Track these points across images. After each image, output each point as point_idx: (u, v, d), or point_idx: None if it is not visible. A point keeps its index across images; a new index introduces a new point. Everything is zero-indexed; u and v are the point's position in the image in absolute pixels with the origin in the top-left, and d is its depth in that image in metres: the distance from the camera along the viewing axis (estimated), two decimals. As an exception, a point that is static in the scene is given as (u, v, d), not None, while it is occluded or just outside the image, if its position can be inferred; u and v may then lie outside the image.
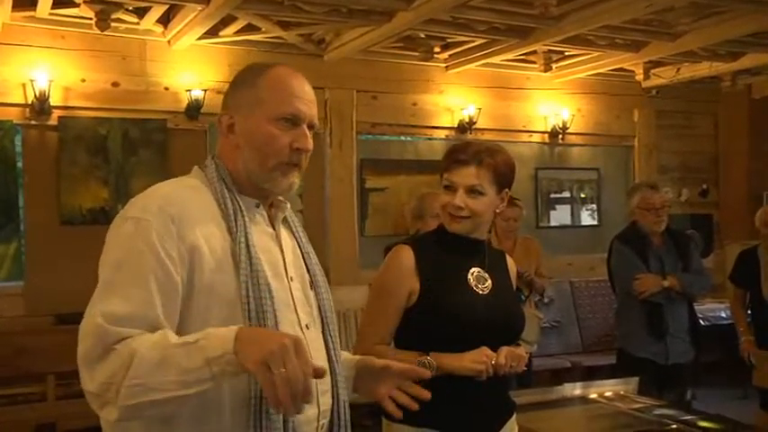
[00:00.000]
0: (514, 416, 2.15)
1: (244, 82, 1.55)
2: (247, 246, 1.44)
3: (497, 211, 2.14)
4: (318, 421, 1.49)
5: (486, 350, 2.01)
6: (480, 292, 2.09)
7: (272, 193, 1.55)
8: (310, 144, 1.53)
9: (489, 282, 2.12)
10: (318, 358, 1.49)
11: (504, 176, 2.11)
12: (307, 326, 1.54)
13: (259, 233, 1.52)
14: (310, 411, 1.46)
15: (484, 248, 2.18)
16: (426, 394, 1.63)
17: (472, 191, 2.07)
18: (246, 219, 1.49)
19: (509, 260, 2.30)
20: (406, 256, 2.09)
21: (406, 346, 2.05)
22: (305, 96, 1.53)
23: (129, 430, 1.37)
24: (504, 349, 2.04)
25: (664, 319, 3.93)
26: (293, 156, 1.50)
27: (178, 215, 1.40)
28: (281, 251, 1.56)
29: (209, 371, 1.24)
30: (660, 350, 3.93)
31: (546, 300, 5.05)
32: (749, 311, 4.58)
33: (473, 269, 2.11)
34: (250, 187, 1.53)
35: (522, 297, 4.53)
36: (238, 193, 1.51)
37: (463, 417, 2.01)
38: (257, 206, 1.55)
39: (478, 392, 2.01)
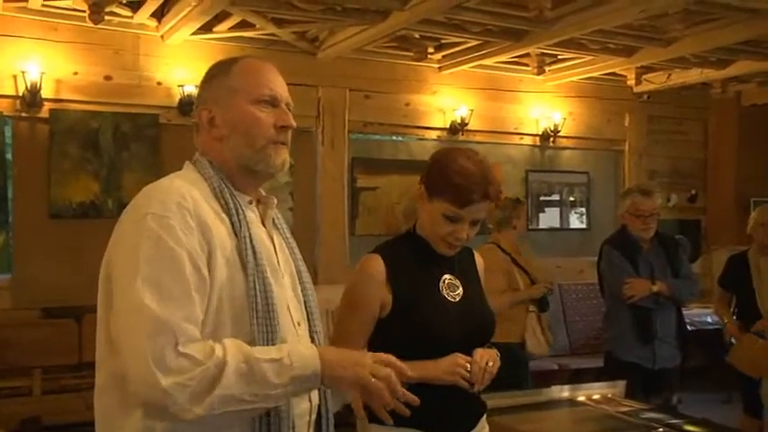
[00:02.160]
0: (485, 416, 2.16)
1: (217, 74, 1.59)
2: (251, 243, 1.46)
3: None
4: (310, 415, 1.54)
5: (458, 357, 2.01)
6: (452, 300, 2.09)
7: (266, 174, 1.58)
8: (293, 120, 1.58)
9: (460, 289, 2.13)
10: None
11: None
12: (298, 323, 1.56)
13: (256, 230, 1.53)
14: (303, 405, 1.51)
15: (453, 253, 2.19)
16: (415, 399, 1.54)
17: (476, 222, 2.09)
18: (246, 216, 1.50)
19: (477, 258, 2.30)
20: (377, 266, 2.07)
21: None
22: (278, 80, 1.60)
23: (127, 426, 1.38)
24: (479, 351, 2.05)
25: (652, 324, 3.95)
26: (280, 134, 1.56)
27: (195, 211, 1.41)
28: (274, 248, 1.58)
29: (293, 389, 1.36)
30: (647, 354, 3.95)
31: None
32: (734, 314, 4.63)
33: (444, 276, 2.12)
34: (240, 180, 1.55)
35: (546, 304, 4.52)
36: (234, 190, 1.53)
37: (436, 415, 2.00)
38: (250, 203, 1.57)
39: (450, 392, 2.01)
